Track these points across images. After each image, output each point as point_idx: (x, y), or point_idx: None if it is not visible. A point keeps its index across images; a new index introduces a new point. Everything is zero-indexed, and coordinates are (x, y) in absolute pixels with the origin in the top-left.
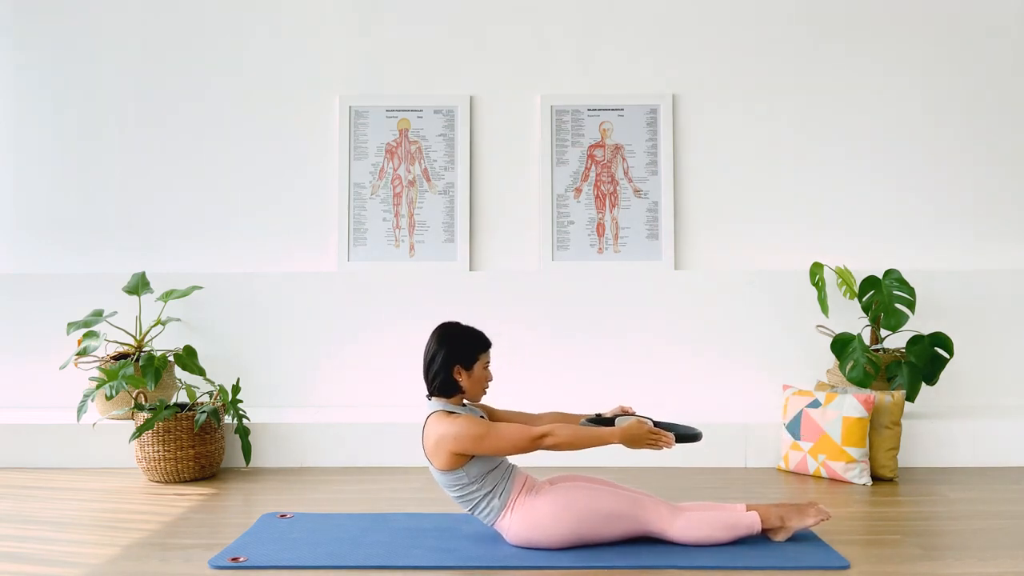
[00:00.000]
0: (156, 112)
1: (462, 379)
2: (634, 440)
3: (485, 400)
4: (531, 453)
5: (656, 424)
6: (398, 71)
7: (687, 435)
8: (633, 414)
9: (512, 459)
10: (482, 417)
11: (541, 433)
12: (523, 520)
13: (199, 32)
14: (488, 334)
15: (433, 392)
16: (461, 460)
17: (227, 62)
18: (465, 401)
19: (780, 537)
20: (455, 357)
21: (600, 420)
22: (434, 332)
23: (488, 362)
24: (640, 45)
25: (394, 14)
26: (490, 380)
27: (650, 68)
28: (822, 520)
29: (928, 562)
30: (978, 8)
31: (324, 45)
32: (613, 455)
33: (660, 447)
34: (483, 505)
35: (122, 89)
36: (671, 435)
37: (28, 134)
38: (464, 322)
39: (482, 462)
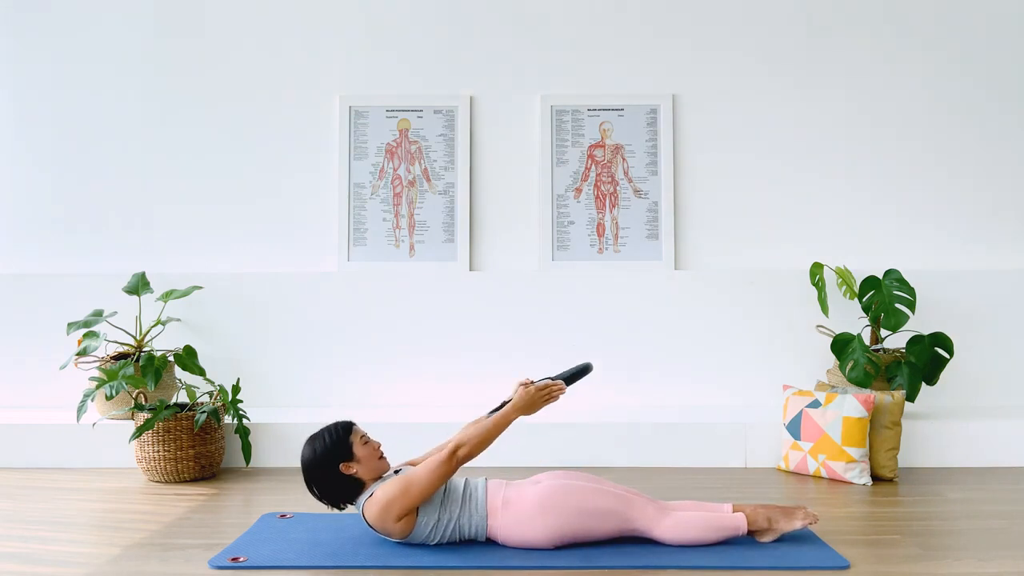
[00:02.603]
0: (156, 112)
1: (353, 469)
2: (530, 405)
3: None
4: (454, 470)
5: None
6: (398, 71)
7: (575, 372)
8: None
9: (479, 464)
10: (397, 473)
11: (450, 450)
12: (512, 526)
13: (199, 32)
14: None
15: (347, 502)
16: (410, 519)
17: (227, 62)
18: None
19: (767, 539)
20: (334, 458)
21: (505, 405)
22: (301, 457)
23: (363, 435)
24: (640, 45)
25: (394, 14)
26: (378, 447)
27: (650, 68)
28: (810, 523)
29: (928, 562)
30: (979, 8)
31: (324, 45)
32: (610, 456)
33: (556, 397)
34: (465, 527)
35: (122, 89)
36: (560, 382)
37: (28, 134)
38: (315, 427)
39: (426, 503)
